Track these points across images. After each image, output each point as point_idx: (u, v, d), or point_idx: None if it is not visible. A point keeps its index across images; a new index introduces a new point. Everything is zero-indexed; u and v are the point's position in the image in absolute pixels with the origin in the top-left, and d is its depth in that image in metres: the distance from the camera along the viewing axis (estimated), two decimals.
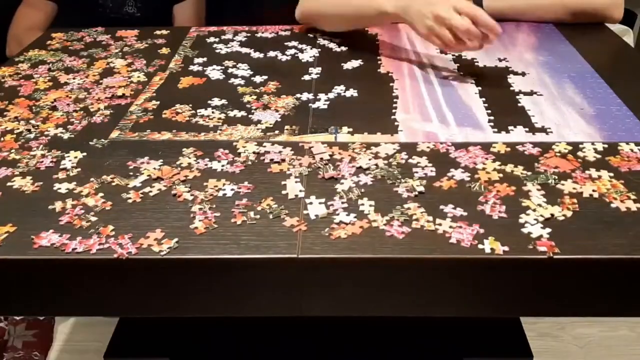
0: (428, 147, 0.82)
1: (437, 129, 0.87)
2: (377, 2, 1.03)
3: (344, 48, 1.15)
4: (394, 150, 0.81)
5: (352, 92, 0.99)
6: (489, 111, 0.91)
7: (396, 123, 0.89)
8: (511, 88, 0.99)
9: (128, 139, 0.86)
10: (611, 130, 0.85)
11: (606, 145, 0.81)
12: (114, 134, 0.88)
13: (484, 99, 0.95)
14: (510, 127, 0.86)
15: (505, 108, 0.92)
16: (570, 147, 0.81)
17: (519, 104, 0.93)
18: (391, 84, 1.01)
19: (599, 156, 0.79)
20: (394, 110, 0.92)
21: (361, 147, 0.82)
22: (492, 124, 0.88)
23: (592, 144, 0.82)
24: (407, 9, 0.99)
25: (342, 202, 0.71)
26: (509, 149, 0.81)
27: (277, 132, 0.87)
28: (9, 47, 1.44)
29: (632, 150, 0.80)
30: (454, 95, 0.96)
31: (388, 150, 0.81)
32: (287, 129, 0.87)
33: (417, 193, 0.72)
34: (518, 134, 0.85)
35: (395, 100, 0.96)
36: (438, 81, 1.01)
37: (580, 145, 0.81)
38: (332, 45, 1.17)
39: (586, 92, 0.96)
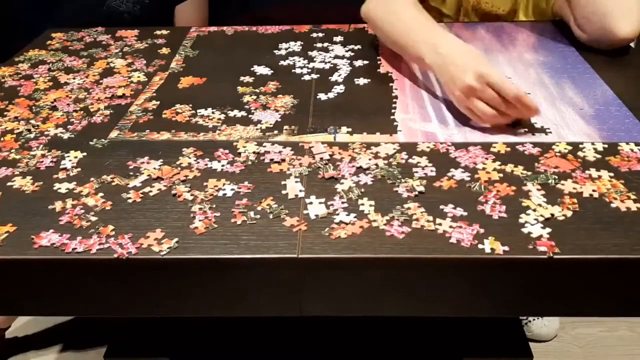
0: (428, 147, 0.82)
1: (436, 129, 0.87)
2: (420, 48, 0.96)
3: (343, 48, 1.15)
4: (394, 150, 0.81)
5: (351, 92, 0.99)
6: None
7: (395, 123, 0.89)
8: None
9: (127, 139, 0.86)
10: (611, 130, 0.85)
11: (606, 146, 0.81)
12: (113, 134, 0.88)
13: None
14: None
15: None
16: (570, 147, 0.81)
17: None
18: (390, 84, 1.01)
19: (599, 156, 0.79)
20: (393, 110, 0.92)
21: (361, 147, 0.82)
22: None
23: (592, 144, 0.82)
24: (442, 68, 0.91)
25: (342, 202, 0.71)
26: (509, 149, 0.81)
27: (276, 132, 0.87)
28: None
29: (632, 150, 0.80)
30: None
31: (388, 150, 0.81)
32: (286, 129, 0.87)
33: (417, 193, 0.72)
34: (518, 134, 0.85)
35: (394, 100, 0.96)
36: (437, 82, 1.01)
37: (580, 145, 0.81)
38: (332, 46, 1.17)
39: (585, 92, 0.96)
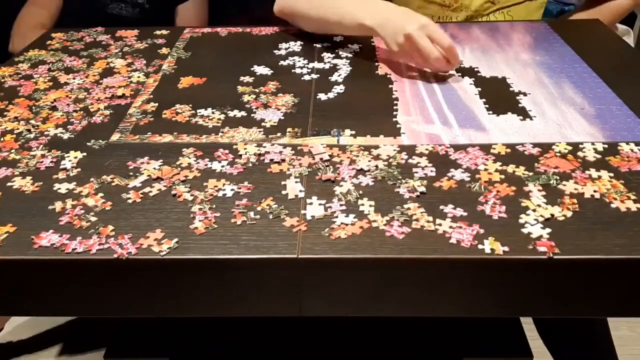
0: (427, 150, 0.82)
1: (439, 131, 0.87)
2: (357, 14, 1.06)
3: (341, 49, 1.15)
4: (394, 151, 0.81)
5: (351, 93, 0.98)
6: (490, 112, 0.91)
7: (398, 125, 0.88)
8: (510, 89, 0.98)
9: (129, 141, 0.86)
10: (613, 130, 0.85)
11: (606, 146, 0.81)
12: (115, 137, 0.87)
13: (484, 100, 0.95)
14: (509, 127, 0.87)
15: (506, 109, 0.92)
16: (570, 147, 0.81)
17: (520, 105, 0.93)
18: (390, 86, 1.01)
19: (599, 156, 0.79)
20: (394, 112, 0.92)
21: (359, 149, 0.82)
22: (494, 124, 0.88)
23: (592, 144, 0.82)
24: (384, 25, 1.02)
25: (341, 205, 0.71)
26: (508, 150, 0.81)
27: (279, 134, 0.87)
28: (13, 44, 1.44)
29: (632, 150, 0.80)
30: (454, 97, 0.96)
31: (388, 151, 0.81)
32: (289, 132, 0.87)
33: (418, 193, 0.72)
34: (520, 134, 0.85)
35: (395, 101, 0.95)
36: (437, 82, 1.01)
37: (580, 145, 0.81)
38: (330, 46, 1.17)
39: (585, 91, 0.96)
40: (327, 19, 1.11)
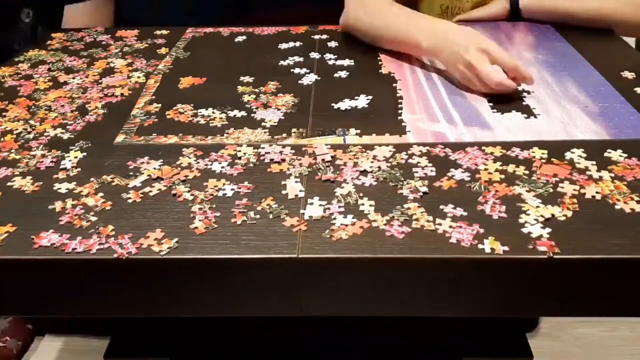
0: (427, 150, 0.82)
1: (445, 129, 0.86)
2: (414, 35, 1.03)
3: (343, 48, 1.15)
4: (392, 151, 0.81)
5: (353, 93, 0.98)
6: (495, 110, 0.91)
7: (403, 124, 0.88)
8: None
9: (134, 142, 0.86)
10: (617, 127, 0.85)
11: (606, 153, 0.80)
12: (120, 138, 0.87)
13: (488, 98, 0.95)
14: (512, 125, 0.87)
15: (510, 107, 0.92)
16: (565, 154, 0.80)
17: (524, 103, 0.93)
18: (394, 85, 1.01)
19: (600, 160, 0.78)
20: (399, 111, 0.92)
21: (360, 150, 0.81)
22: (498, 122, 0.88)
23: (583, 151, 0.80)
24: (440, 50, 0.99)
25: (340, 207, 0.71)
26: (504, 150, 0.81)
27: (284, 135, 0.86)
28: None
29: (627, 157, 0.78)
30: (458, 95, 0.96)
31: (388, 151, 0.81)
32: (294, 132, 0.87)
33: (421, 194, 0.72)
34: (525, 132, 0.85)
35: (399, 100, 0.95)
36: (441, 81, 1.01)
37: (573, 151, 0.80)
38: (332, 45, 1.17)
39: (588, 89, 0.96)
40: (390, 39, 1.09)
